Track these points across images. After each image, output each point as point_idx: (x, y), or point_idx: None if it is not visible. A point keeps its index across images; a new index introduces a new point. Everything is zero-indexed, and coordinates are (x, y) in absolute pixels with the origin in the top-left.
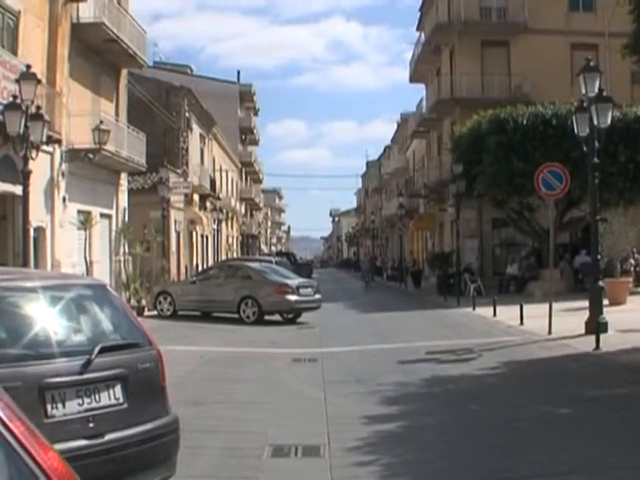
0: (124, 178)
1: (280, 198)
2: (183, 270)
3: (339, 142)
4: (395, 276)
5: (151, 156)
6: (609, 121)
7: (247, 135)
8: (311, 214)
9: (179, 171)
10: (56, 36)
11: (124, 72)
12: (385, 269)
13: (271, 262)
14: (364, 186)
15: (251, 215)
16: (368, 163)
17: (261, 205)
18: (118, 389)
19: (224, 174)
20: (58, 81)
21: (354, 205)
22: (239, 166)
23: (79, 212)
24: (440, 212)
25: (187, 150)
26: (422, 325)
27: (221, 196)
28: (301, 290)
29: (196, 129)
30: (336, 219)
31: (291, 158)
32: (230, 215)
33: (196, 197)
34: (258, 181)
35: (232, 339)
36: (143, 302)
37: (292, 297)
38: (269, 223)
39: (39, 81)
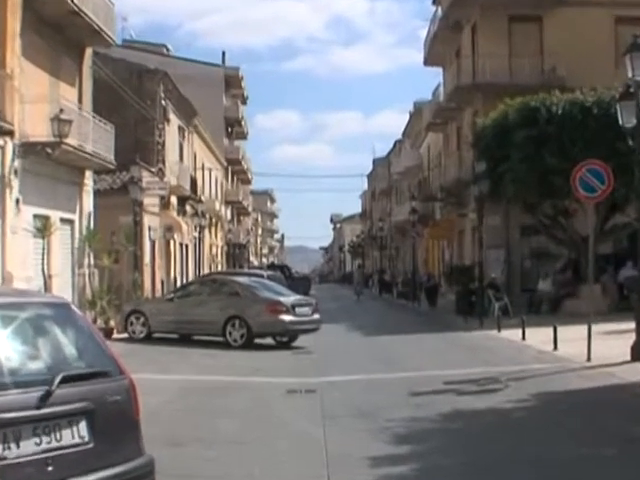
0: (89, 177)
1: (272, 201)
2: (159, 285)
3: (341, 136)
4: (407, 292)
5: (121, 151)
6: None
7: (234, 127)
8: (308, 220)
9: (154, 169)
10: (5, 7)
11: (88, 51)
12: (395, 284)
13: (262, 276)
14: (370, 188)
15: (238, 221)
16: (375, 161)
17: (250, 209)
18: (83, 426)
19: (207, 173)
20: (8, 61)
21: (358, 210)
22: (224, 164)
23: (35, 217)
24: (460, 218)
25: (163, 145)
26: (438, 350)
27: (203, 199)
28: (297, 309)
29: (174, 120)
30: (337, 226)
31: (285, 155)
32: (214, 221)
33: (174, 200)
34: (246, 181)
35: (216, 366)
36: (112, 323)
37: (286, 317)
38: (259, 230)
39: None
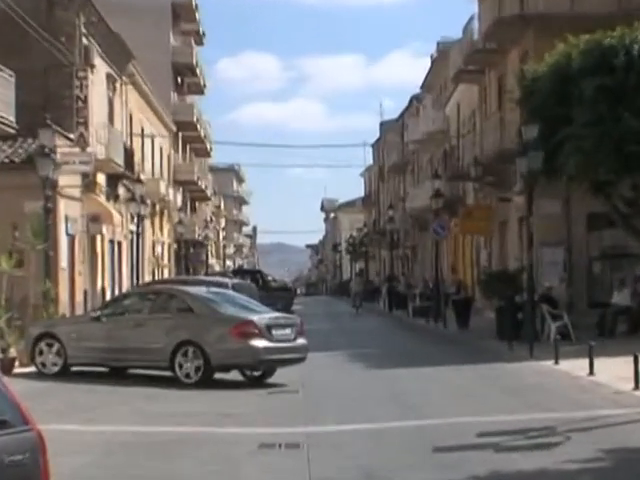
0: None
1: (240, 182)
2: (80, 298)
3: (334, 90)
4: (427, 308)
5: (25, 109)
6: None
7: (185, 78)
8: (290, 208)
9: (72, 136)
10: None
11: None
12: (411, 297)
13: (225, 286)
14: (377, 162)
15: (193, 209)
16: (383, 125)
17: (209, 193)
18: None
19: (148, 142)
20: None
21: (360, 193)
22: (173, 129)
23: None
24: (501, 204)
25: (85, 101)
26: (471, 389)
27: (143, 178)
28: (274, 331)
29: (101, 66)
30: (331, 216)
31: (258, 116)
32: (158, 209)
33: (102, 179)
34: (204, 153)
35: (161, 412)
36: (12, 351)
37: (259, 343)
38: (222, 222)
39: None
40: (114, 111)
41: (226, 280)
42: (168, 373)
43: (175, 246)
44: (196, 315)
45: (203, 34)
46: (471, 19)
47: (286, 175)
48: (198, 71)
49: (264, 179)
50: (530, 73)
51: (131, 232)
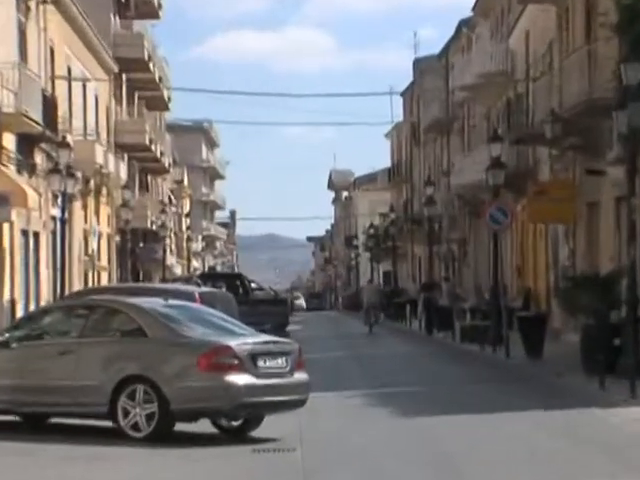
0: None
1: (212, 146)
2: None
3: (345, 14)
4: (482, 329)
5: None
6: None
7: None
8: (285, 184)
9: None
10: None
11: None
12: (459, 314)
13: (191, 296)
14: (408, 118)
15: (144, 186)
16: (418, 64)
17: (167, 163)
18: None
19: (78, 88)
20: None
21: (384, 163)
22: (114, 69)
23: None
24: (590, 179)
25: None
26: (550, 447)
27: (71, 140)
28: (261, 362)
29: None
30: (343, 196)
31: (236, 51)
32: (94, 185)
33: (10, 141)
34: (160, 106)
35: None
36: None
37: (239, 379)
38: (187, 205)
39: None
40: (27, 43)
41: (192, 289)
42: (107, 423)
43: (118, 239)
44: (148, 339)
45: None
46: None
47: (279, 137)
48: None
49: (246, 143)
50: None
51: (54, 219)
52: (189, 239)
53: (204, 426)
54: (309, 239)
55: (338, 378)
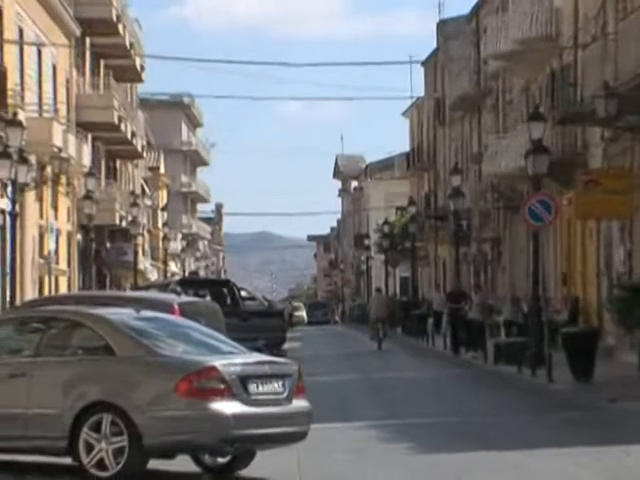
0: None
1: (194, 126)
2: None
3: None
4: (520, 348)
5: None
6: None
7: None
8: (282, 171)
9: None
10: None
11: None
12: (492, 329)
13: (168, 307)
14: (431, 93)
15: (112, 174)
16: (442, 27)
17: (140, 145)
18: None
19: (32, 54)
20: None
21: (402, 146)
22: (75, 32)
23: None
24: None
25: None
26: None
27: (23, 117)
28: (253, 386)
29: None
30: (352, 186)
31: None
32: (51, 172)
33: None
34: (131, 77)
35: None
36: None
37: (227, 406)
38: (163, 197)
39: None
40: None
41: (170, 298)
42: (66, 461)
43: (80, 238)
44: (117, 358)
45: None
46: None
47: (274, 115)
48: None
49: (235, 122)
50: None
51: (2, 213)
52: (166, 238)
53: (184, 464)
54: (310, 238)
55: (345, 406)
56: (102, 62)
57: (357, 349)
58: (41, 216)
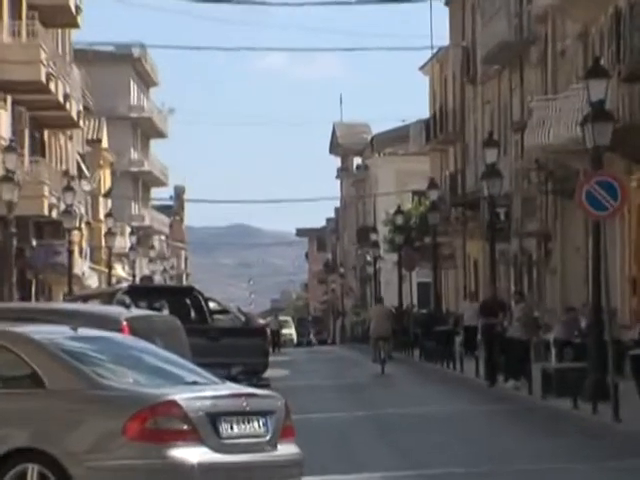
0: None
1: (146, 86)
2: None
3: None
4: (577, 375)
5: None
6: None
7: None
8: (262, 149)
9: None
10: None
11: None
12: (540, 350)
13: (114, 323)
14: (456, 41)
15: (40, 149)
16: None
17: (77, 111)
18: None
19: None
20: None
21: (420, 112)
22: None
23: None
24: None
25: None
26: None
27: None
28: (225, 427)
29: None
30: (354, 164)
31: None
32: None
33: None
34: (63, 20)
35: None
36: None
37: (190, 453)
38: (106, 178)
39: None
40: None
41: (116, 311)
42: None
43: None
44: (47, 391)
45: None
46: None
47: (252, 72)
48: None
49: (201, 80)
50: None
51: None
52: (110, 233)
53: None
54: (300, 233)
55: (349, 452)
56: (24, 1)
57: (359, 376)
58: None
